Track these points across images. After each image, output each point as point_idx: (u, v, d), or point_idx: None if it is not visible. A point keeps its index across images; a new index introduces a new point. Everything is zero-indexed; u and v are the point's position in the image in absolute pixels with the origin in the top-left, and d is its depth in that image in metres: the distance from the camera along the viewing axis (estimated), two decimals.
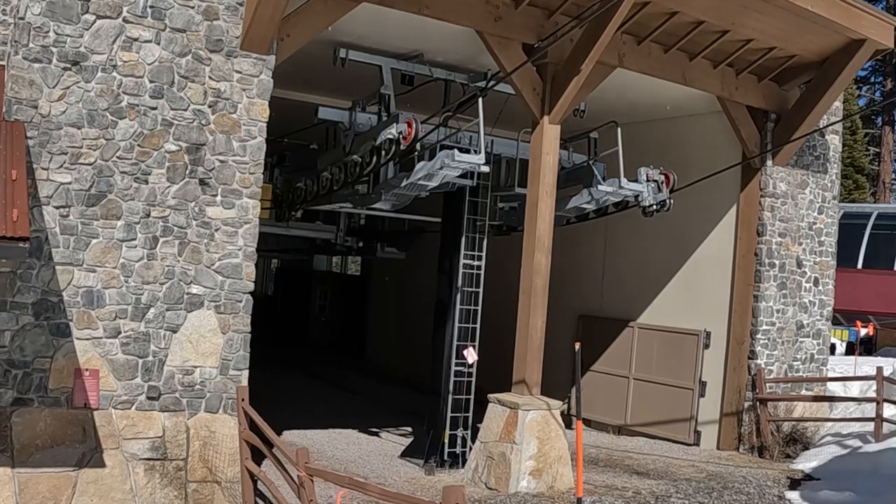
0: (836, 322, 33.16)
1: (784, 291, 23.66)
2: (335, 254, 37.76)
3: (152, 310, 15.00)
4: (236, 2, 15.55)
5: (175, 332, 15.19)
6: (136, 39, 14.78)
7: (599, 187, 20.55)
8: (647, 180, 20.89)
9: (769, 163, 23.03)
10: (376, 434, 23.15)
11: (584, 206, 21.29)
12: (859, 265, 37.52)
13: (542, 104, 18.87)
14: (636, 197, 20.99)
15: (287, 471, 13.90)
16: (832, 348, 33.59)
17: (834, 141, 25.20)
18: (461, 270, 20.28)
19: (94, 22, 14.44)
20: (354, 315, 42.18)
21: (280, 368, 33.43)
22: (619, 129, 20.57)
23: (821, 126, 23.32)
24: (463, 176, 18.86)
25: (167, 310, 15.12)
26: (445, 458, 19.83)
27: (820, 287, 24.78)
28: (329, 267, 49.91)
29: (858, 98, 63.89)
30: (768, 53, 21.13)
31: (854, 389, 25.42)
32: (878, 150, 63.09)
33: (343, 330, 42.71)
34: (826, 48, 21.23)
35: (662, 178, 21.00)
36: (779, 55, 21.34)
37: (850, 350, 36.55)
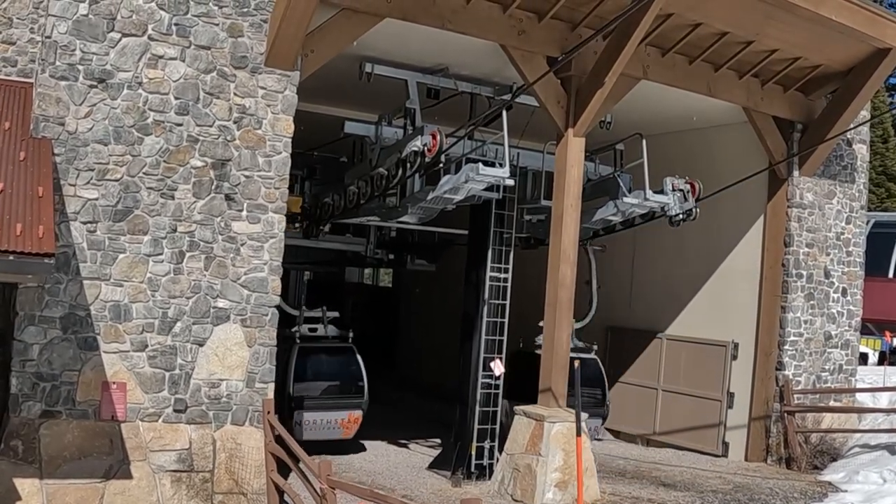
0: (866, 332, 32.97)
1: (812, 302, 23.60)
2: (366, 266, 37.80)
3: (179, 323, 15.18)
4: (260, 19, 15.74)
5: (201, 345, 15.37)
6: (161, 57, 15.00)
7: (625, 199, 20.58)
8: (673, 190, 20.90)
9: (796, 173, 23.00)
10: (405, 445, 23.24)
11: (611, 217, 21.32)
12: (890, 274, 37.28)
13: (567, 117, 18.93)
14: (663, 207, 21.00)
15: (312, 483, 14.02)
16: (864, 358, 33.34)
17: (861, 150, 25.13)
18: (488, 283, 20.33)
19: (120, 40, 14.67)
20: (385, 326, 42.20)
21: None
22: (644, 142, 20.61)
23: (845, 130, 23.13)
24: (489, 189, 18.94)
25: (194, 323, 15.30)
26: (472, 469, 19.87)
27: (848, 297, 24.70)
28: (361, 279, 49.96)
29: (890, 105, 63.46)
30: (793, 63, 21.12)
31: (883, 400, 25.23)
32: None
33: (373, 341, 42.72)
34: (851, 57, 21.23)
35: (688, 187, 21.02)
36: (804, 65, 21.34)
37: (882, 360, 36.30)
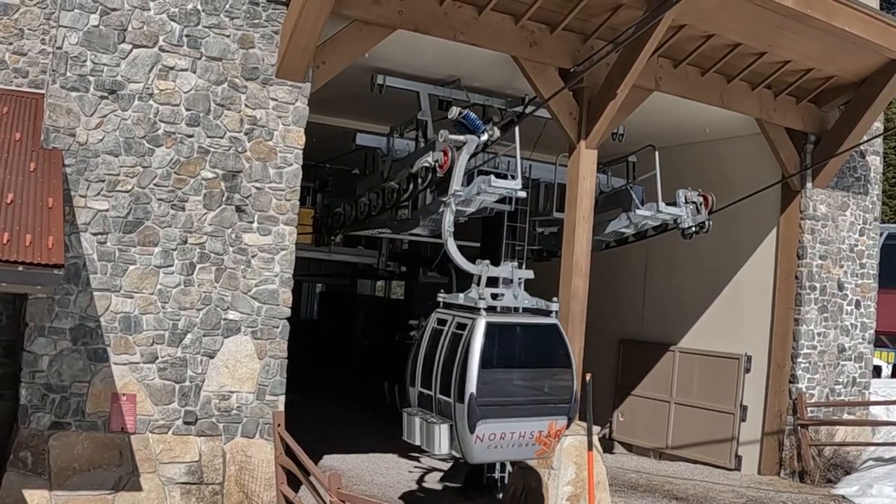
0: (880, 344, 32.82)
1: (825, 314, 23.49)
2: (378, 278, 37.82)
3: (189, 335, 15.13)
4: (271, 30, 15.71)
5: (212, 357, 15.32)
6: (172, 68, 14.98)
7: (637, 211, 20.47)
8: (686, 202, 20.79)
9: (809, 185, 22.92)
10: (416, 458, 23.12)
11: (623, 230, 21.21)
12: None
13: (579, 129, 18.86)
14: (675, 219, 20.89)
15: (322, 496, 13.96)
16: (878, 371, 33.22)
17: (875, 162, 25.04)
18: None
19: (131, 51, 14.65)
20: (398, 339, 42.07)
21: (324, 392, 33.51)
22: (656, 153, 20.50)
23: (859, 143, 23.06)
24: (501, 201, 18.81)
25: (204, 335, 15.25)
26: (484, 482, 19.76)
27: (861, 310, 24.58)
28: (373, 291, 49.93)
29: None
30: (806, 75, 21.04)
31: None
32: None
33: (386, 353, 42.64)
34: (864, 68, 21.14)
35: (701, 199, 20.91)
36: (817, 76, 21.27)
37: (895, 373, 36.16)
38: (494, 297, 16.00)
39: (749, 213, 22.67)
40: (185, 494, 14.74)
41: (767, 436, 23.03)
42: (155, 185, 14.87)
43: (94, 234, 14.42)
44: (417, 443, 15.85)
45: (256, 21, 15.64)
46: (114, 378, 14.52)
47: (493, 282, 16.08)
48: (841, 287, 23.93)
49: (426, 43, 17.44)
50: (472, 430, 14.75)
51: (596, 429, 18.40)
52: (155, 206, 14.87)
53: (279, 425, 15.53)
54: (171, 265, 15.01)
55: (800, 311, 22.95)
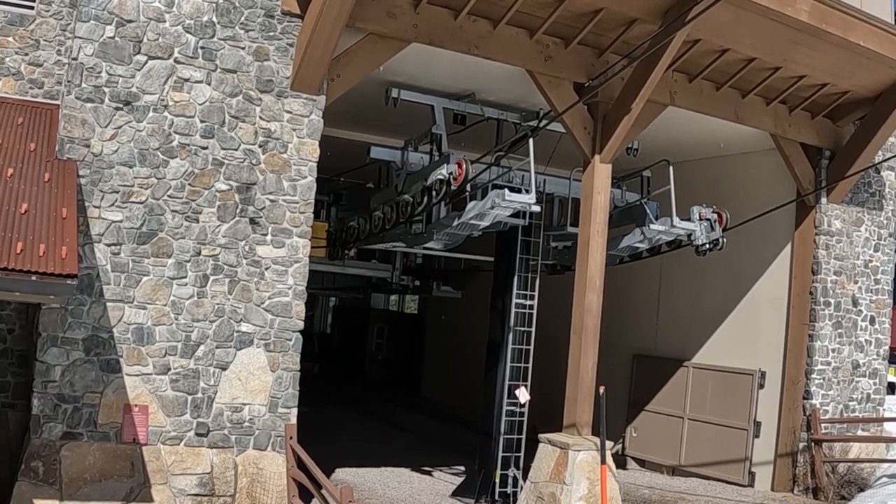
0: (895, 361, 32.65)
1: (839, 330, 23.38)
2: (391, 292, 37.89)
3: (202, 347, 15.12)
4: (286, 42, 15.73)
5: (224, 369, 15.30)
6: (187, 80, 15.00)
7: (652, 226, 20.46)
8: (700, 219, 20.74)
9: (823, 200, 22.84)
10: (428, 472, 23.09)
11: (637, 245, 21.18)
12: None
13: (594, 143, 18.82)
14: (689, 236, 20.84)
15: None
16: (892, 387, 33.03)
17: (890, 177, 24.93)
18: (513, 310, 20.20)
19: (146, 63, 14.68)
20: (410, 353, 42.19)
21: (336, 405, 33.51)
22: (670, 168, 20.47)
23: (877, 161, 23.04)
24: (515, 215, 18.82)
25: (217, 347, 15.23)
26: (496, 497, 19.71)
27: (876, 325, 24.45)
28: (386, 305, 50.01)
29: None
30: (821, 90, 20.99)
31: None
32: None
33: (399, 367, 42.73)
34: (880, 83, 21.05)
35: (715, 216, 20.84)
36: (832, 91, 21.20)
37: None
38: None
39: (763, 228, 22.57)
40: None
41: (781, 452, 22.91)
42: (169, 196, 14.88)
43: (108, 245, 14.44)
44: None
45: (271, 33, 15.67)
46: (126, 389, 14.52)
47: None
48: (855, 303, 23.84)
49: (441, 57, 17.45)
50: None
51: (609, 444, 18.33)
52: (169, 218, 14.88)
53: (291, 438, 15.51)
54: (185, 277, 15.02)
55: (814, 326, 22.84)
